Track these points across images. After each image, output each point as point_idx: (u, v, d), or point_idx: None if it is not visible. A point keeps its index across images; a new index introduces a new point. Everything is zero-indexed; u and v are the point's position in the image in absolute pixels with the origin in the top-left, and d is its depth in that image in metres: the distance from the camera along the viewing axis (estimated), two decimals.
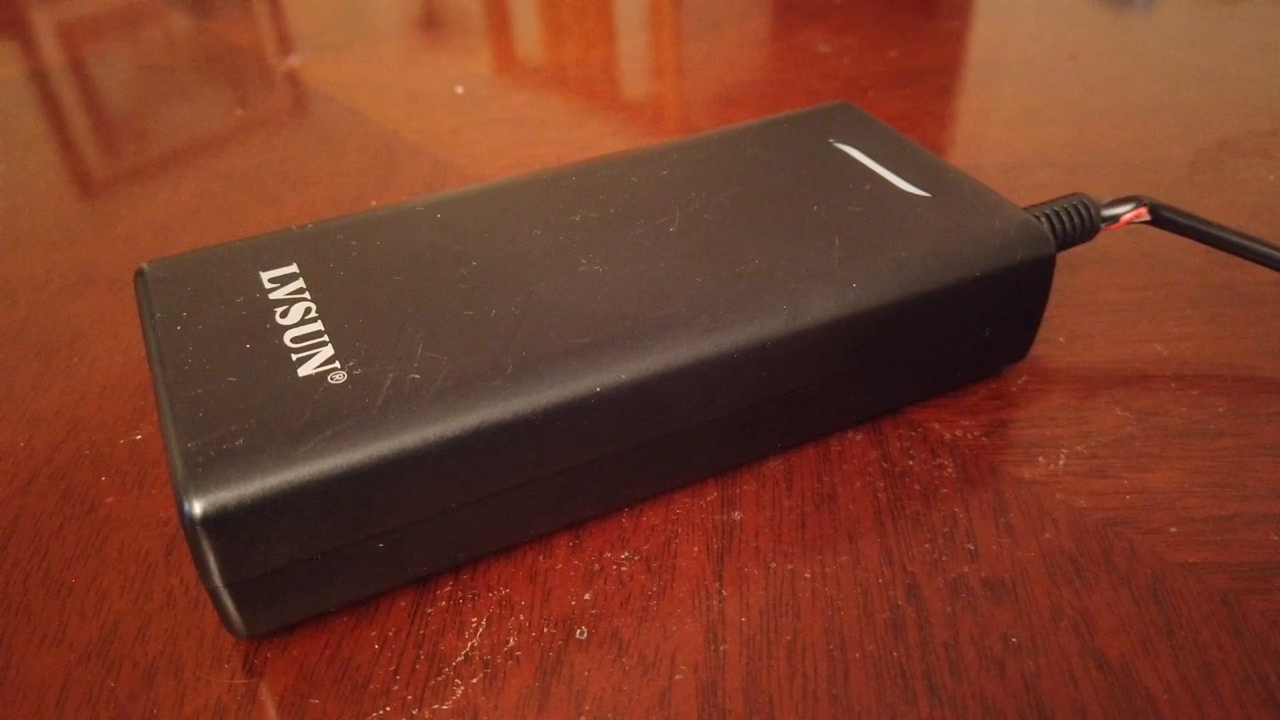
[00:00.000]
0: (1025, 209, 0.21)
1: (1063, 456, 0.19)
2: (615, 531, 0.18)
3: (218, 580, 0.15)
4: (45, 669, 0.16)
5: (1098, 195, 0.22)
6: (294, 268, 0.18)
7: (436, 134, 0.33)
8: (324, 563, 0.15)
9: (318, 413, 0.15)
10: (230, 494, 0.14)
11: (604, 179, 0.21)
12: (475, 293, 0.18)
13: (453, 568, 0.17)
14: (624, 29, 0.41)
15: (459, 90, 0.36)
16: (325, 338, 0.17)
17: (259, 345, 0.16)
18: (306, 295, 0.18)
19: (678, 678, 0.16)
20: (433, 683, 0.16)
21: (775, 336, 0.17)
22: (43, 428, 0.21)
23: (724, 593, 0.17)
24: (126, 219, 0.29)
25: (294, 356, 0.16)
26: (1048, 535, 0.18)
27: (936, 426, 0.20)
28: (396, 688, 0.16)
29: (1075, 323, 0.23)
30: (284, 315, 0.17)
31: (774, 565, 0.17)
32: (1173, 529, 0.18)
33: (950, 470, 0.19)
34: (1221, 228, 0.22)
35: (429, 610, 0.17)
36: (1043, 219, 0.21)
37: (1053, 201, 0.21)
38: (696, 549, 0.18)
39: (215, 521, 0.14)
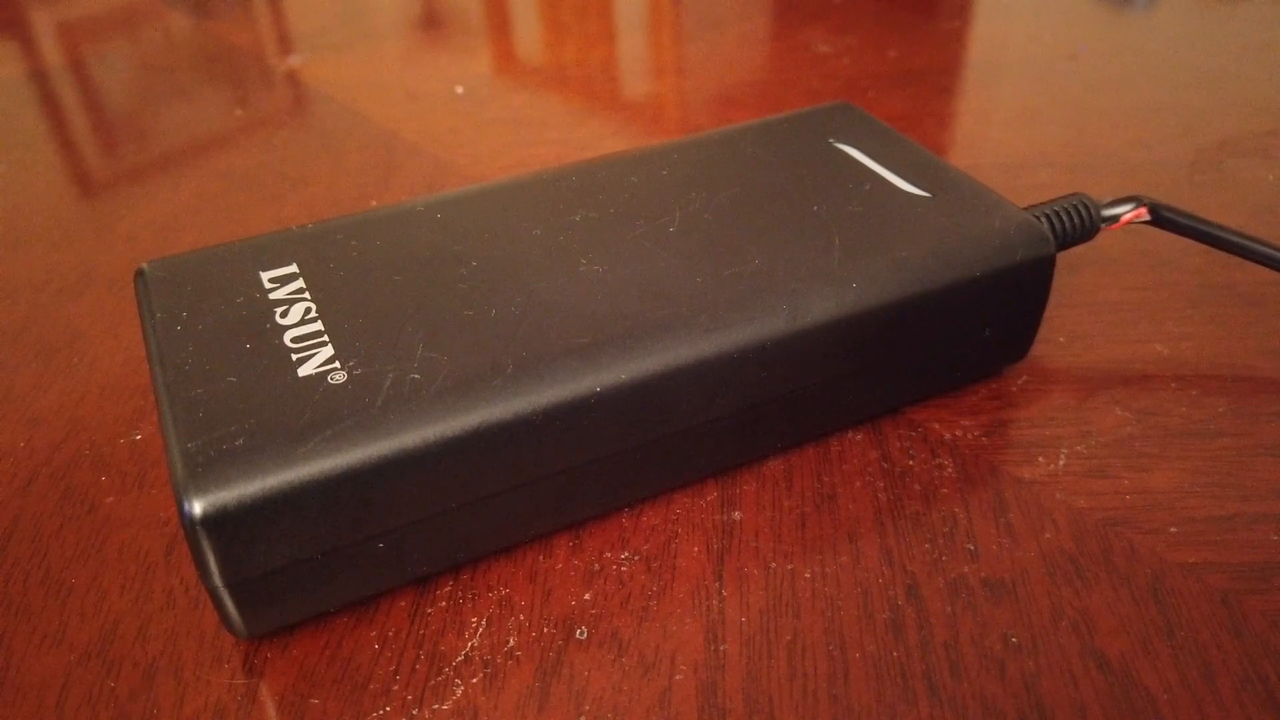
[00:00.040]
0: (1025, 209, 0.21)
1: (1063, 456, 0.19)
2: (615, 531, 0.18)
3: (218, 580, 0.15)
4: (45, 669, 0.16)
5: (1098, 195, 0.22)
6: (294, 268, 0.18)
7: (436, 134, 0.33)
8: (324, 563, 0.15)
9: (318, 413, 0.15)
10: (230, 494, 0.14)
11: (604, 179, 0.21)
12: (475, 293, 0.18)
13: (453, 568, 0.17)
14: (624, 29, 0.41)
15: (459, 90, 0.36)
16: (325, 338, 0.17)
17: (259, 345, 0.16)
18: (306, 295, 0.18)
19: (678, 678, 0.16)
20: (433, 683, 0.16)
21: (775, 336, 0.17)
22: (43, 428, 0.21)
23: (724, 593, 0.17)
24: (126, 219, 0.29)
25: (294, 356, 0.16)
26: (1048, 535, 0.18)
27: (936, 426, 0.20)
28: (396, 688, 0.16)
29: (1075, 323, 0.23)
30: (284, 315, 0.17)
31: (774, 565, 0.17)
32: (1173, 529, 0.18)
33: (950, 470, 0.19)
34: (1221, 228, 0.22)
35: (429, 610, 0.17)
36: (1043, 219, 0.21)
37: (1053, 201, 0.21)
38: (696, 549, 0.18)
39: (215, 521, 0.14)
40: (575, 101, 0.35)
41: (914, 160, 0.21)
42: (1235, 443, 0.19)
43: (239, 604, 0.15)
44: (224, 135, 0.33)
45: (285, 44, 0.40)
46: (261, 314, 0.17)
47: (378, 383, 0.16)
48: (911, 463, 0.19)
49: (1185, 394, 0.21)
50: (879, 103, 0.33)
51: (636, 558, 0.18)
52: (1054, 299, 0.23)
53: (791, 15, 0.41)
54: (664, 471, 0.18)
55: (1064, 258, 0.23)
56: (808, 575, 0.17)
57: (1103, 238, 0.23)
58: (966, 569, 0.17)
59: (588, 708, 0.15)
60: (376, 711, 0.15)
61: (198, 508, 0.14)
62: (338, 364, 0.16)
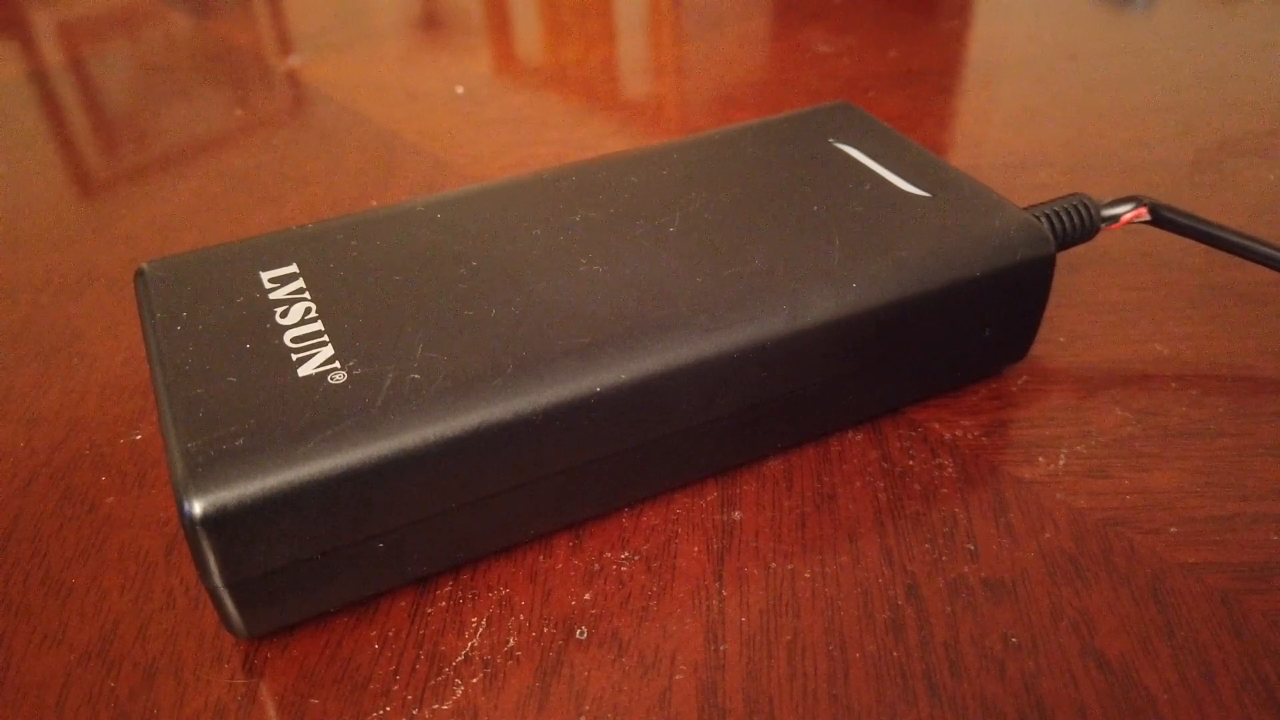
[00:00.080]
0: (1025, 209, 0.21)
1: (1063, 456, 0.19)
2: (615, 531, 0.18)
3: (218, 580, 0.15)
4: (45, 669, 0.16)
5: (1098, 195, 0.22)
6: (294, 268, 0.18)
7: (436, 134, 0.33)
8: (324, 563, 0.15)
9: (318, 413, 0.15)
10: (230, 494, 0.14)
11: (604, 179, 0.21)
12: (475, 293, 0.18)
13: (453, 568, 0.17)
14: (624, 29, 0.41)
15: (459, 90, 0.36)
16: (325, 338, 0.17)
17: (259, 345, 0.16)
18: (306, 295, 0.18)
19: (678, 678, 0.16)
20: (433, 683, 0.16)
21: (775, 336, 0.17)
22: (43, 428, 0.21)
23: (724, 593, 0.17)
24: (126, 219, 0.29)
25: (294, 356, 0.16)
26: (1048, 535, 0.18)
27: (936, 426, 0.20)
28: (396, 688, 0.16)
29: (1075, 323, 0.23)
30: (284, 315, 0.17)
31: (774, 565, 0.17)
32: (1173, 529, 0.18)
33: (950, 470, 0.19)
34: (1221, 228, 0.22)
35: (429, 610, 0.17)
36: (1043, 219, 0.21)
37: (1053, 201, 0.21)
38: (696, 549, 0.18)
39: (215, 521, 0.14)
40: (575, 101, 0.35)
41: (914, 160, 0.21)
42: (1235, 443, 0.19)
43: (239, 604, 0.15)
44: (224, 135, 0.33)
45: (285, 44, 0.40)
46: (261, 314, 0.17)
47: (378, 383, 0.16)
48: (911, 463, 0.19)
49: (1185, 394, 0.21)
50: (879, 103, 0.33)
51: (636, 558, 0.18)
52: (1054, 299, 0.23)
53: (791, 15, 0.41)
54: (664, 471, 0.18)
55: (1064, 258, 0.23)
56: (808, 575, 0.17)
57: (1103, 238, 0.23)
58: (966, 569, 0.17)
59: (588, 708, 0.15)
60: (376, 711, 0.15)
61: (198, 508, 0.14)
62: (338, 364, 0.16)
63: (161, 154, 0.32)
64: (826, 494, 0.19)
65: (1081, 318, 0.23)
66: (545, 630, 0.16)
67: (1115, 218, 0.21)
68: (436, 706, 0.15)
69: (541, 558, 0.18)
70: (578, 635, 0.16)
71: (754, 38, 0.39)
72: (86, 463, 0.20)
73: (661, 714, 0.15)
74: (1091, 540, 0.18)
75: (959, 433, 0.20)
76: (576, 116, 0.34)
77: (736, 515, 0.18)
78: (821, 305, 0.17)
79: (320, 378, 0.16)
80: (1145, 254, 0.25)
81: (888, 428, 0.20)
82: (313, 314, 0.17)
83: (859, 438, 0.20)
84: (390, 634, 0.16)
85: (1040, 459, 0.19)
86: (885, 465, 0.19)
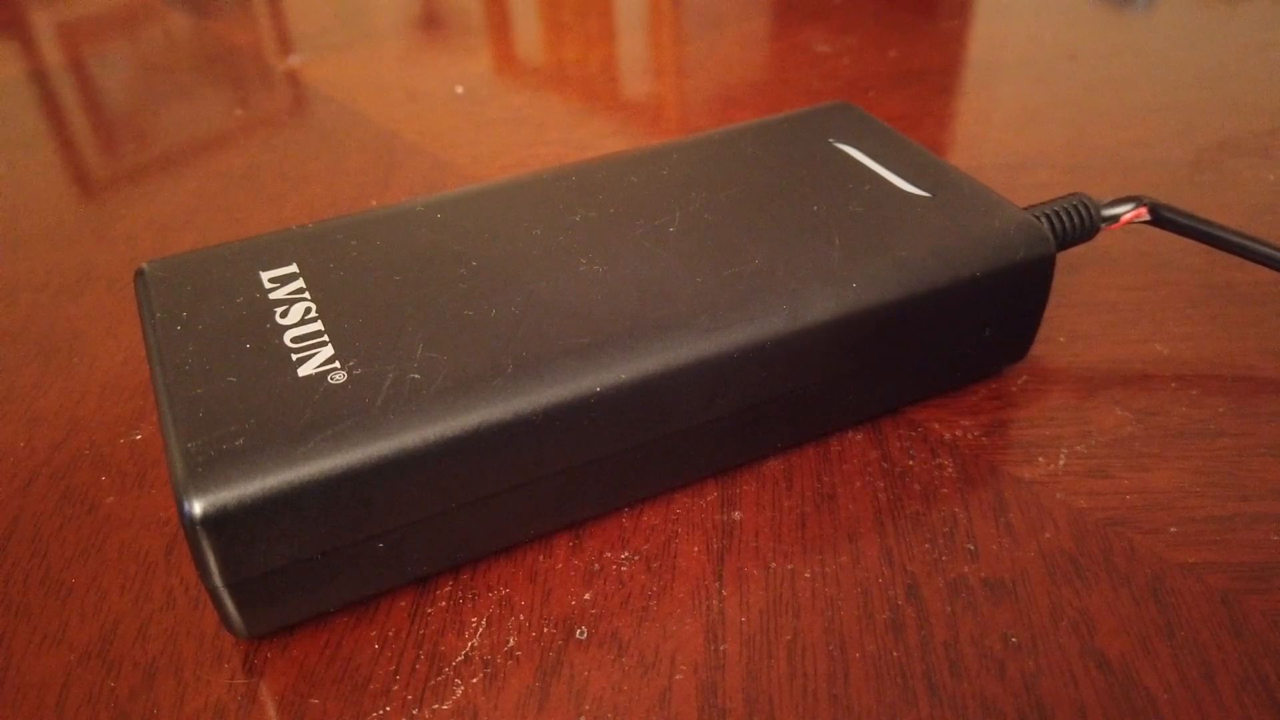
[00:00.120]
0: (1025, 209, 0.21)
1: (1063, 456, 0.19)
2: (615, 531, 0.18)
3: (218, 580, 0.15)
4: (45, 669, 0.16)
5: (1098, 195, 0.22)
6: (294, 268, 0.18)
7: (436, 134, 0.33)
8: (324, 563, 0.15)
9: (318, 413, 0.15)
10: (230, 494, 0.14)
11: (604, 179, 0.21)
12: (475, 293, 0.18)
13: (453, 568, 0.17)
14: (624, 29, 0.41)
15: (459, 90, 0.36)
16: (325, 338, 0.17)
17: (259, 345, 0.16)
18: (306, 295, 0.18)
19: (678, 678, 0.16)
20: (433, 683, 0.16)
21: (775, 336, 0.17)
22: (43, 428, 0.21)
23: (724, 593, 0.17)
24: (126, 219, 0.29)
25: (294, 356, 0.16)
26: (1048, 535, 0.18)
27: (936, 426, 0.20)
28: (396, 688, 0.16)
29: (1075, 323, 0.23)
30: (284, 315, 0.17)
31: (774, 565, 0.17)
32: (1173, 529, 0.18)
33: (950, 470, 0.19)
34: (1221, 228, 0.22)
35: (429, 610, 0.17)
36: (1043, 219, 0.21)
37: (1053, 201, 0.21)
38: (696, 549, 0.18)
39: (215, 521, 0.14)
40: (575, 101, 0.35)
41: (914, 160, 0.21)
42: (1235, 443, 0.19)
43: (239, 604, 0.15)
44: (224, 135, 0.33)
45: (285, 44, 0.40)
46: (261, 314, 0.17)
47: (378, 383, 0.16)
48: (911, 463, 0.19)
49: (1185, 394, 0.21)
50: (879, 103, 0.33)
51: (636, 558, 0.18)
52: (1054, 299, 0.23)
53: (791, 15, 0.41)
54: (664, 471, 0.18)
55: (1064, 258, 0.23)
56: (808, 575, 0.17)
57: (1103, 238, 0.23)
58: (966, 569, 0.17)
59: (588, 708, 0.15)
60: (376, 711, 0.15)
61: (198, 508, 0.14)
62: (338, 364, 0.16)
63: (161, 154, 0.32)
64: (826, 494, 0.19)
65: (1081, 318, 0.23)
66: (545, 630, 0.16)
67: (1115, 218, 0.21)
68: (436, 706, 0.15)
69: (541, 558, 0.18)
70: (578, 635, 0.16)
71: (754, 38, 0.39)
72: (86, 463, 0.20)
73: (661, 714, 0.15)
74: (1091, 540, 0.18)
75: (959, 433, 0.20)
76: (576, 116, 0.34)
77: (736, 515, 0.18)
78: (821, 305, 0.17)
79: (320, 378, 0.16)
80: (1145, 254, 0.25)
81: (888, 428, 0.20)
82: (313, 314, 0.17)
83: (859, 438, 0.20)
84: (390, 634, 0.16)
85: (1040, 459, 0.19)
86: (885, 465, 0.19)
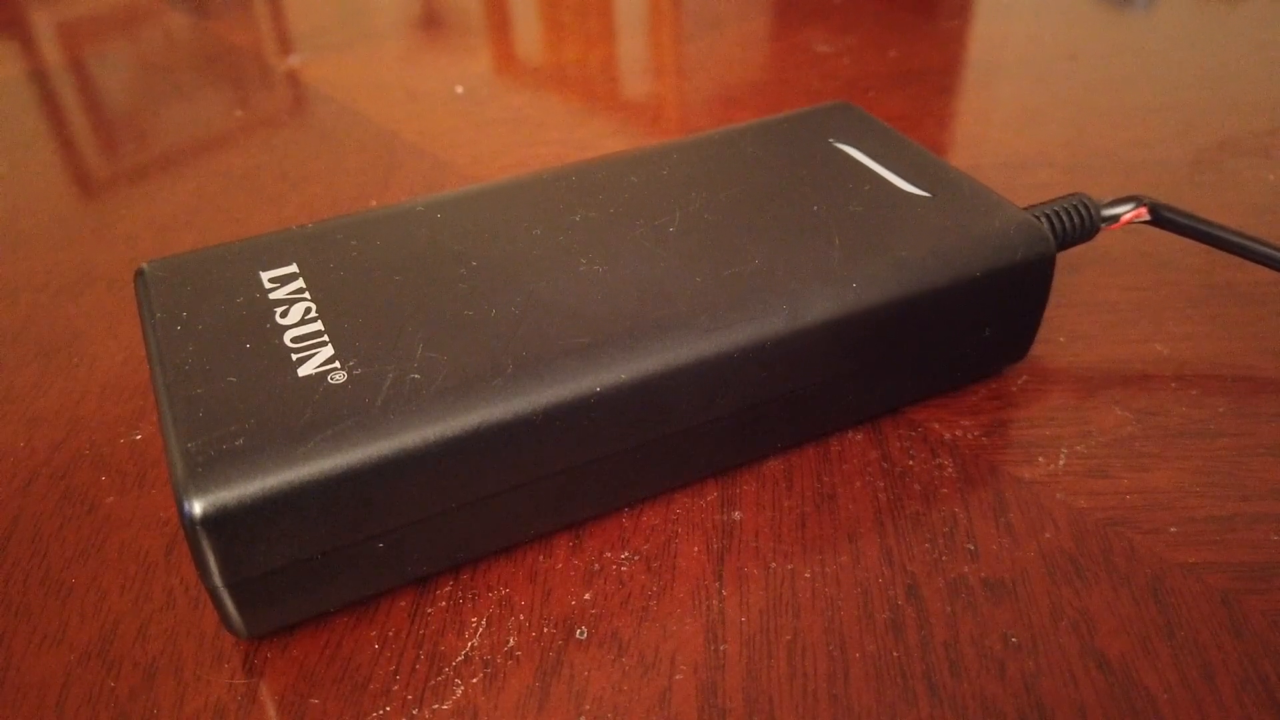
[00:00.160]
0: (1025, 209, 0.21)
1: (1063, 456, 0.19)
2: (615, 531, 0.18)
3: (218, 580, 0.15)
4: (45, 669, 0.16)
5: (1098, 195, 0.22)
6: (294, 268, 0.18)
7: (436, 134, 0.33)
8: (324, 563, 0.15)
9: (318, 413, 0.15)
10: (230, 494, 0.14)
11: (604, 179, 0.21)
12: (475, 293, 0.18)
13: (453, 568, 0.17)
14: (624, 29, 0.41)
15: (459, 90, 0.36)
16: (325, 338, 0.17)
17: (259, 345, 0.16)
18: (306, 295, 0.18)
19: (678, 678, 0.16)
20: (433, 683, 0.16)
21: (775, 336, 0.17)
22: (43, 428, 0.21)
23: (724, 593, 0.17)
24: (126, 219, 0.29)
25: (294, 356, 0.16)
26: (1048, 535, 0.18)
27: (936, 426, 0.20)
28: (396, 688, 0.16)
29: (1075, 323, 0.23)
30: (284, 315, 0.17)
31: (774, 565, 0.17)
32: (1173, 529, 0.18)
33: (950, 470, 0.19)
34: (1221, 228, 0.22)
35: (429, 610, 0.17)
36: (1043, 219, 0.21)
37: (1053, 201, 0.21)
38: (696, 549, 0.18)
39: (215, 521, 0.14)
40: (575, 101, 0.35)
41: (914, 160, 0.21)
42: (1235, 443, 0.19)
43: (239, 604, 0.15)
44: (224, 135, 0.33)
45: (285, 44, 0.40)
46: (261, 314, 0.17)
47: (378, 383, 0.16)
48: (911, 463, 0.19)
49: (1185, 394, 0.21)
50: (879, 103, 0.33)
51: (636, 558, 0.18)
52: (1054, 299, 0.23)
53: (791, 15, 0.41)
54: (664, 471, 0.18)
55: (1064, 258, 0.23)
56: (808, 575, 0.17)
57: (1103, 238, 0.23)
58: (966, 569, 0.17)
59: (588, 708, 0.15)
60: (376, 711, 0.15)
61: (198, 508, 0.14)
62: (338, 364, 0.16)
63: (161, 154, 0.32)
64: (826, 494, 0.19)
65: (1081, 318, 0.23)
66: (545, 630, 0.16)
67: (1115, 218, 0.21)
68: (436, 706, 0.15)
69: (541, 558, 0.18)
70: (578, 635, 0.16)
71: (754, 38, 0.39)
72: (86, 463, 0.20)
73: (661, 714, 0.15)
74: (1091, 540, 0.18)
75: (959, 433, 0.20)
76: (576, 116, 0.34)
77: (736, 515, 0.18)
78: (821, 305, 0.17)
79: (320, 378, 0.16)
80: (1145, 254, 0.25)
81: (888, 428, 0.20)
82: (313, 314, 0.17)
83: (859, 438, 0.20)
84: (390, 634, 0.16)
85: (1040, 459, 0.19)
86: (885, 465, 0.19)
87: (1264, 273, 0.24)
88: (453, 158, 0.31)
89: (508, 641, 0.16)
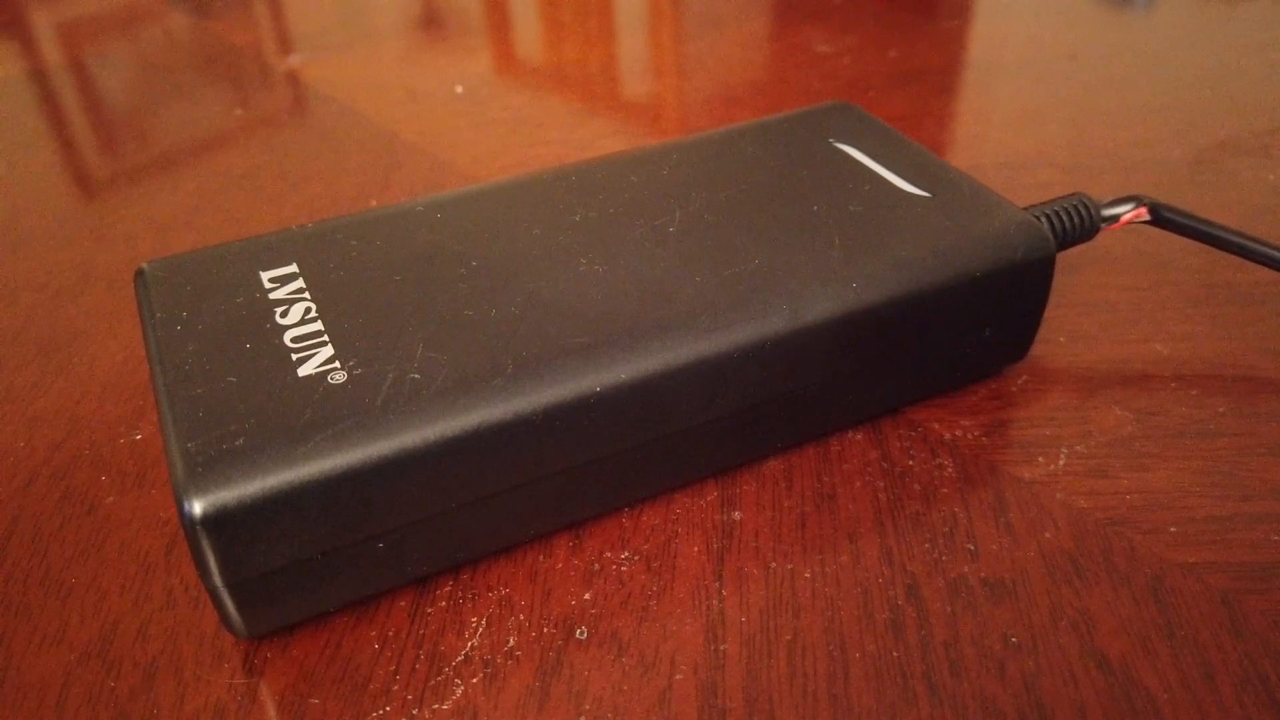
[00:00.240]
0: (1025, 209, 0.21)
1: (1063, 456, 0.19)
2: (615, 531, 0.18)
3: (218, 580, 0.15)
4: (45, 669, 0.16)
5: (1098, 195, 0.22)
6: (294, 268, 0.18)
7: (436, 134, 0.33)
8: (324, 563, 0.15)
9: (318, 413, 0.15)
10: (230, 494, 0.14)
11: (604, 179, 0.21)
12: (475, 293, 0.18)
13: (453, 568, 0.17)
14: (624, 29, 0.41)
15: (459, 90, 0.36)
16: (325, 338, 0.17)
17: (259, 345, 0.16)
18: (306, 295, 0.18)
19: (678, 678, 0.16)
20: (433, 683, 0.16)
21: (775, 336, 0.17)
22: (43, 428, 0.21)
23: (724, 592, 0.17)
24: (126, 219, 0.29)
25: (294, 356, 0.16)
26: (1048, 535, 0.18)
27: (936, 426, 0.20)
28: (396, 688, 0.16)
29: (1075, 323, 0.23)
30: (284, 315, 0.17)
31: (774, 565, 0.17)
32: (1173, 529, 0.18)
33: (950, 470, 0.19)
34: (1221, 228, 0.22)
35: (429, 610, 0.17)
36: (1043, 219, 0.21)
37: (1053, 201, 0.21)
38: (696, 549, 0.18)
39: (215, 521, 0.14)
40: (575, 101, 0.35)
41: (914, 160, 0.21)
42: (1235, 443, 0.19)
43: (239, 604, 0.15)
44: (224, 135, 0.33)
45: (285, 44, 0.40)
46: (261, 314, 0.17)
47: (378, 383, 0.16)
48: (911, 463, 0.19)
49: (1185, 394, 0.21)
50: (879, 103, 0.33)
51: (636, 558, 0.18)
52: (1054, 299, 0.23)
53: (791, 15, 0.41)
54: (664, 471, 0.18)
55: (1064, 258, 0.23)
56: (808, 575, 0.17)
57: (1103, 238, 0.23)
58: (966, 569, 0.17)
59: (588, 707, 0.15)
60: (376, 711, 0.15)
61: (198, 508, 0.14)
62: (338, 364, 0.16)
63: (161, 154, 0.32)
64: (826, 494, 0.19)
65: (1081, 318, 0.23)
66: (545, 630, 0.16)
67: (1115, 218, 0.21)
68: (436, 706, 0.15)
69: (541, 558, 0.18)
70: (578, 635, 0.16)
71: (754, 38, 0.39)
72: (86, 463, 0.20)
73: (661, 714, 0.15)
74: (1091, 540, 0.18)
75: (959, 433, 0.20)
76: (576, 116, 0.34)
77: (736, 515, 0.18)
78: (822, 305, 0.17)
79: (320, 378, 0.16)
80: (1145, 254, 0.25)
81: (888, 428, 0.20)
82: (313, 314, 0.17)
83: (859, 438, 0.20)
84: (390, 634, 0.16)
85: (1040, 459, 0.19)
86: (885, 465, 0.19)
87: (1264, 273, 0.24)
88: (453, 158, 0.31)
89: (508, 641, 0.16)
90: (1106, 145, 0.30)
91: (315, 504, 0.15)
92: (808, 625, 0.16)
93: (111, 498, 0.19)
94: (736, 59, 0.37)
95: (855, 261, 0.18)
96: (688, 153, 0.22)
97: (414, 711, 0.15)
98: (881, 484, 0.19)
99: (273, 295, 0.18)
